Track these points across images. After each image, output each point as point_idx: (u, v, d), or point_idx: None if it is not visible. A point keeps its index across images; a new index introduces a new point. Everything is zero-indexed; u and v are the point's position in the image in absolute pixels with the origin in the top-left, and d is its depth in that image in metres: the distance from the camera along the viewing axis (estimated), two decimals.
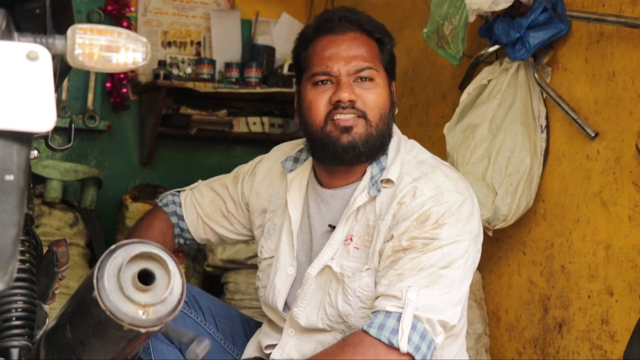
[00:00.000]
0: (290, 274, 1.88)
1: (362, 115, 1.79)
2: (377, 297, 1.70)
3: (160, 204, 2.11)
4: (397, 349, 1.63)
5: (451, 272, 1.70)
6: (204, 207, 2.08)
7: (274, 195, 1.98)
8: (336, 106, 1.78)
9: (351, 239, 1.81)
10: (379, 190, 1.79)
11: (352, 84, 1.80)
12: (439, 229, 1.70)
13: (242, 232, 2.09)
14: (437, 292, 1.67)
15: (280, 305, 1.88)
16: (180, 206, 2.09)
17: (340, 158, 1.81)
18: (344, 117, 1.78)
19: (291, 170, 1.94)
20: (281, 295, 1.88)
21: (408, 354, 1.63)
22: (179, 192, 2.14)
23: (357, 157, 1.80)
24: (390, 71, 1.89)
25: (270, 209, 1.98)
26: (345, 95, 1.77)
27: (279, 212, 1.95)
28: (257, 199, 2.02)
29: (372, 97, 1.80)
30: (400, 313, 1.64)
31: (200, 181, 2.15)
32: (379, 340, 1.63)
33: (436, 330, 1.67)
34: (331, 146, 1.79)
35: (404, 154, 1.85)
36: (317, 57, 1.83)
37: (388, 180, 1.80)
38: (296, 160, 1.96)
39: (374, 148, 1.80)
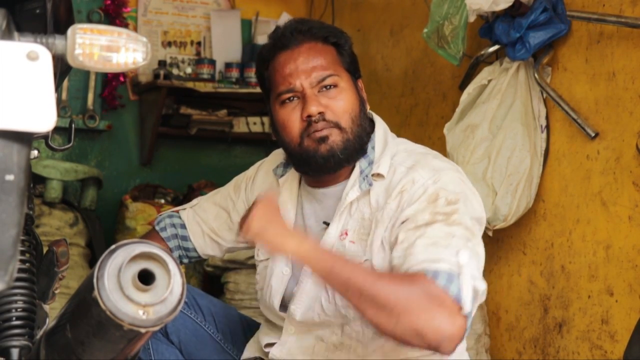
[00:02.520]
0: (286, 274, 1.89)
1: (335, 126, 1.80)
2: (420, 262, 1.62)
3: (157, 228, 2.09)
4: (459, 307, 1.58)
5: (476, 245, 1.69)
6: (209, 223, 2.07)
7: None
8: (309, 122, 1.79)
9: (346, 234, 1.82)
10: (370, 185, 1.80)
11: (317, 95, 1.80)
12: (456, 204, 1.69)
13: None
14: (474, 261, 1.66)
15: (276, 305, 1.88)
16: (183, 227, 2.08)
17: (322, 168, 1.82)
18: (319, 131, 1.79)
19: (282, 176, 1.95)
20: (277, 295, 1.88)
21: (465, 317, 1.59)
22: (177, 211, 2.12)
23: (338, 164, 1.82)
24: (353, 71, 1.89)
25: None
26: (313, 109, 1.78)
27: None
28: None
29: (340, 104, 1.81)
30: (459, 273, 1.59)
31: (200, 197, 2.15)
32: (447, 292, 1.57)
33: (477, 300, 1.65)
34: (311, 159, 1.81)
35: (393, 147, 1.86)
36: (278, 75, 1.84)
37: (379, 175, 1.80)
38: (286, 165, 1.97)
39: (353, 152, 1.82)
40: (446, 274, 1.59)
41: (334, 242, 1.83)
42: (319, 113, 1.78)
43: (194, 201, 2.14)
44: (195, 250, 2.08)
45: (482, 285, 1.65)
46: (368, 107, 1.91)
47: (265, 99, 1.93)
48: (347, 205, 1.82)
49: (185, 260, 2.12)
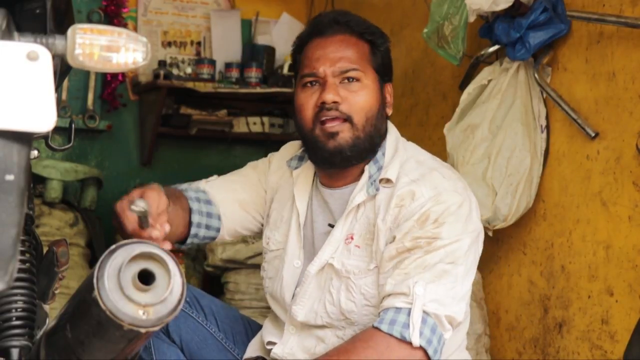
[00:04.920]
0: (297, 267, 1.89)
1: (347, 119, 1.81)
2: (385, 297, 1.72)
3: (180, 188, 1.98)
4: (410, 343, 1.65)
5: (455, 268, 1.72)
6: (237, 193, 2.00)
7: (283, 187, 1.99)
8: (321, 108, 1.81)
9: (352, 238, 1.82)
10: (377, 190, 1.80)
11: (337, 85, 1.82)
12: (440, 228, 1.72)
13: (260, 220, 2.03)
14: (442, 288, 1.70)
15: (288, 299, 1.89)
16: (205, 192, 1.97)
17: (328, 162, 1.84)
18: (330, 124, 1.81)
19: (296, 168, 1.96)
20: (289, 287, 1.89)
21: (420, 347, 1.65)
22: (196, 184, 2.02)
23: (345, 161, 1.83)
24: (382, 72, 1.89)
25: (277, 199, 1.99)
26: (329, 97, 1.80)
27: (287, 206, 1.96)
28: (268, 187, 2.03)
29: (358, 99, 1.82)
30: (410, 308, 1.67)
31: (216, 176, 2.07)
32: (391, 335, 1.65)
33: (445, 325, 1.70)
34: (319, 151, 1.83)
35: (403, 152, 1.86)
36: (306, 59, 1.87)
37: (387, 180, 1.81)
38: (301, 158, 1.99)
39: (363, 150, 1.83)
40: (392, 314, 1.68)
41: (338, 244, 1.83)
42: (334, 102, 1.80)
43: (212, 177, 2.05)
44: (218, 218, 1.96)
45: (459, 314, 1.72)
46: (390, 111, 1.91)
47: (294, 83, 1.95)
48: (354, 209, 1.83)
49: (201, 232, 1.96)
